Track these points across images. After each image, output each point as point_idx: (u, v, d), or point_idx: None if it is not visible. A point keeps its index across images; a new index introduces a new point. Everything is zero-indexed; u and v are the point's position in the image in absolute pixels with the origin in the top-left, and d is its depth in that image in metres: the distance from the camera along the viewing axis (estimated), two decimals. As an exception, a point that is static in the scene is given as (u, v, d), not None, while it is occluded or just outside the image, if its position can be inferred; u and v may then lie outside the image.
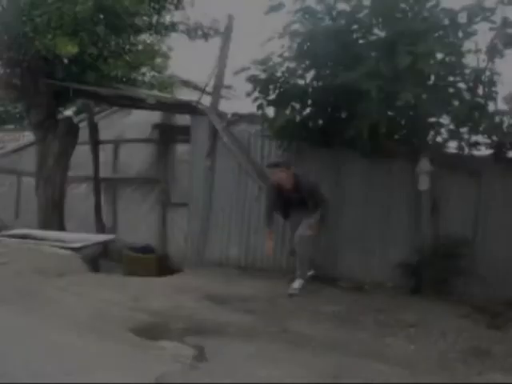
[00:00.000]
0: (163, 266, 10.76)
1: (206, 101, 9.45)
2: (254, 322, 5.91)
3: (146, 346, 5.05)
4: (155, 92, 11.26)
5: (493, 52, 6.68)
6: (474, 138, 7.31)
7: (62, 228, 11.06)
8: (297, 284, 7.32)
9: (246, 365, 4.68)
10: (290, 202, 7.48)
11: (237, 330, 5.63)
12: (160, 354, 4.84)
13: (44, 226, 10.90)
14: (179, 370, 4.49)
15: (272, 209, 7.62)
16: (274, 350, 5.10)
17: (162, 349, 4.99)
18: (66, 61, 10.39)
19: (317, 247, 7.77)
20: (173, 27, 11.12)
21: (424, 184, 7.28)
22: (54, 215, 11.04)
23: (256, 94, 7.60)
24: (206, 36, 11.13)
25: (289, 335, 5.62)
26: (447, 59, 6.53)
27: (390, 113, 6.84)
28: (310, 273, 7.76)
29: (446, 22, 6.57)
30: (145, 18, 10.71)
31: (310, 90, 7.52)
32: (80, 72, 10.43)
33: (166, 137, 11.67)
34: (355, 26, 6.97)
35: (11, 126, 19.08)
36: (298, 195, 7.30)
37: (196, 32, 11.05)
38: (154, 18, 10.86)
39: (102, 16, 10.04)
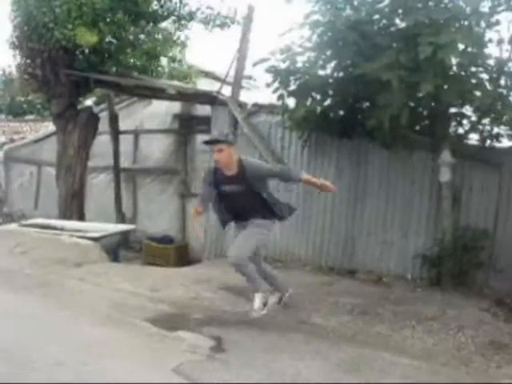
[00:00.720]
0: (182, 256, 10.82)
1: (227, 91, 9.43)
2: (272, 314, 5.88)
3: (163, 337, 5.08)
4: (175, 82, 11.26)
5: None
6: (496, 130, 7.22)
7: (81, 218, 11.15)
8: (256, 304, 5.58)
9: (263, 356, 4.69)
10: (232, 198, 5.70)
11: (254, 321, 5.62)
12: (177, 345, 4.87)
13: (64, 215, 11.01)
14: (196, 360, 4.51)
15: (205, 200, 5.88)
16: (291, 342, 5.10)
17: (180, 339, 5.02)
18: (86, 51, 10.45)
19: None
20: (191, 16, 11.12)
21: (445, 175, 7.19)
22: (73, 205, 11.14)
23: (276, 84, 7.55)
24: (222, 25, 11.11)
25: (307, 327, 5.62)
26: (469, 49, 6.43)
27: (411, 103, 6.76)
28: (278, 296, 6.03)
29: (468, 11, 6.48)
30: (163, 3, 10.78)
31: (331, 80, 7.46)
32: (100, 62, 10.48)
33: (186, 127, 11.69)
34: (376, 16, 6.91)
35: (31, 117, 19.23)
36: (242, 187, 5.55)
37: (214, 21, 11.03)
38: (172, 4, 10.89)
39: (120, 3, 10.09)
